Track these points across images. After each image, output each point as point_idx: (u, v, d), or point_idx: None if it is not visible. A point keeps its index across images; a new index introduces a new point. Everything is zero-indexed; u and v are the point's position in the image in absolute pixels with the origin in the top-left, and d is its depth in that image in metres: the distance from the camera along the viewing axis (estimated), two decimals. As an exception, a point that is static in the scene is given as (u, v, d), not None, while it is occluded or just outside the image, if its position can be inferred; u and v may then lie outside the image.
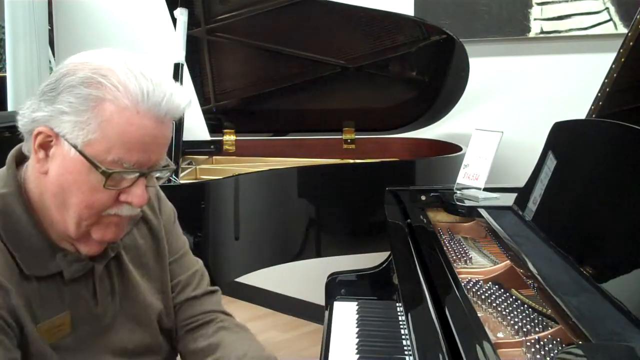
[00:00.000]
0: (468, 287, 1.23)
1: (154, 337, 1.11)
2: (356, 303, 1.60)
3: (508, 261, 1.31)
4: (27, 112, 0.94)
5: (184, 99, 0.96)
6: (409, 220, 1.65)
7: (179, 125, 2.03)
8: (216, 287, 1.24)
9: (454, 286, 1.16)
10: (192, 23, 2.38)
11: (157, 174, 0.99)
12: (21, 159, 1.00)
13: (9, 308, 0.90)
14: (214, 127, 2.71)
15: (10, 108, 3.98)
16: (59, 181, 0.93)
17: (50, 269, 0.96)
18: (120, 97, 0.90)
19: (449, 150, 2.48)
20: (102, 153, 0.91)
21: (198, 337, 1.15)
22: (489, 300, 1.17)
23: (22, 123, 0.96)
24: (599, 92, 1.61)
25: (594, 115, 1.62)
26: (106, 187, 0.92)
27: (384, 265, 1.73)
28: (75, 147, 0.91)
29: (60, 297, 0.97)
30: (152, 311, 1.11)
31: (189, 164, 2.64)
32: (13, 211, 0.94)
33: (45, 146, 0.93)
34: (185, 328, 1.17)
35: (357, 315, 1.52)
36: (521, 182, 1.61)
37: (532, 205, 1.47)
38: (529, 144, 2.05)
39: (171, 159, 1.98)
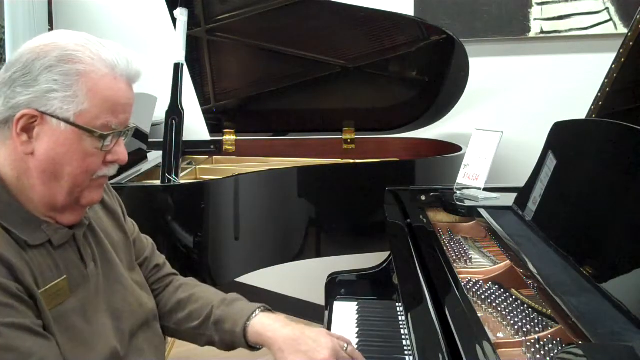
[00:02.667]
0: (468, 287, 1.23)
1: (135, 297, 1.19)
2: (356, 303, 1.60)
3: (508, 261, 1.31)
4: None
5: (140, 64, 1.07)
6: (409, 220, 1.65)
7: (179, 125, 2.03)
8: (163, 256, 1.39)
9: (454, 286, 1.16)
10: (192, 23, 2.38)
11: (126, 135, 1.08)
12: None
13: (17, 280, 0.94)
14: (214, 127, 2.72)
15: (10, 108, 3.97)
16: (50, 156, 0.99)
17: (41, 237, 1.01)
18: (99, 66, 1.00)
19: (449, 150, 2.48)
20: (92, 120, 0.99)
21: (165, 298, 1.30)
22: (489, 300, 1.17)
23: None
24: (599, 92, 1.61)
25: (594, 115, 1.62)
26: (102, 149, 1.02)
27: (384, 265, 1.73)
28: (66, 120, 0.98)
29: (54, 263, 1.02)
30: (124, 275, 1.19)
31: (189, 164, 2.64)
32: None
33: (28, 128, 0.98)
34: (155, 292, 1.30)
35: (357, 315, 1.52)
36: (521, 182, 1.61)
37: (532, 205, 1.47)
38: (529, 144, 2.05)
39: (170, 159, 2.01)
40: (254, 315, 1.20)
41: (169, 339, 2.15)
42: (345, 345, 1.15)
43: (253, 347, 1.21)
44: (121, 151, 1.06)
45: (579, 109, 1.68)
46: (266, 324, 1.18)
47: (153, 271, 1.33)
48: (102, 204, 1.21)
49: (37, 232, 1.01)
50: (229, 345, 1.23)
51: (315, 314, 3.14)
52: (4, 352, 0.88)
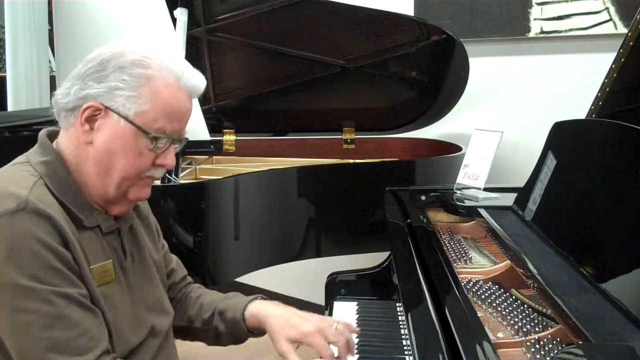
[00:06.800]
0: (468, 287, 1.23)
1: (164, 297, 1.26)
2: (356, 303, 1.60)
3: (508, 261, 1.31)
4: (72, 91, 1.06)
5: (203, 81, 1.17)
6: (409, 220, 1.65)
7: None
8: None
9: (454, 286, 1.17)
10: (192, 23, 2.38)
11: (179, 143, 1.15)
12: (51, 138, 1.13)
13: (70, 251, 1.01)
14: (214, 127, 2.71)
15: (10, 108, 3.98)
16: (106, 148, 1.07)
17: (93, 221, 1.09)
18: (166, 75, 1.08)
19: (449, 150, 2.48)
20: (149, 122, 1.07)
21: (183, 298, 1.38)
22: (489, 300, 1.17)
23: (66, 101, 1.07)
24: (599, 92, 1.61)
25: (594, 115, 1.62)
26: (153, 151, 1.09)
27: (384, 265, 1.73)
28: (126, 117, 1.05)
29: (102, 247, 1.11)
30: (157, 277, 1.26)
31: (189, 164, 2.64)
32: (59, 174, 1.07)
33: (91, 119, 1.06)
34: (178, 298, 1.38)
35: (357, 315, 1.52)
36: (521, 182, 1.61)
37: (532, 205, 1.47)
38: (529, 144, 2.05)
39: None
40: (251, 302, 1.30)
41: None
42: (335, 323, 1.21)
43: (253, 334, 1.29)
44: (170, 157, 1.12)
45: (579, 109, 1.68)
46: (261, 307, 1.28)
47: (180, 283, 1.40)
48: (137, 212, 1.27)
49: (90, 217, 1.09)
50: (232, 335, 1.31)
51: (315, 314, 3.14)
52: (54, 320, 0.96)
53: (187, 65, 1.13)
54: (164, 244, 1.37)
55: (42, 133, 1.12)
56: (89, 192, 1.10)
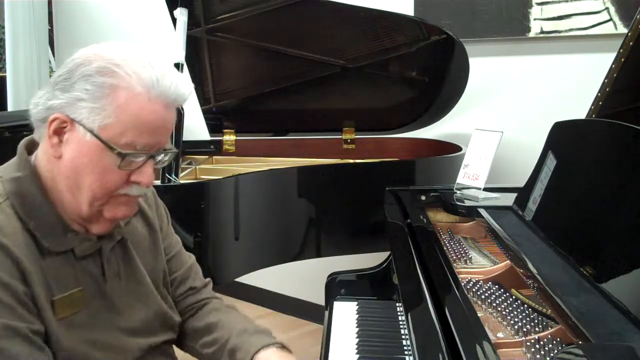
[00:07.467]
0: (468, 287, 1.23)
1: (158, 316, 1.18)
2: (356, 303, 1.60)
3: (508, 261, 1.31)
4: (41, 100, 1.00)
5: (187, 88, 1.04)
6: (409, 220, 1.65)
7: (179, 124, 2.03)
8: (208, 279, 1.36)
9: (454, 286, 1.16)
10: (192, 23, 2.38)
11: (163, 157, 1.06)
12: (31, 148, 1.06)
13: (27, 285, 0.95)
14: (214, 127, 2.72)
15: (10, 108, 3.98)
16: (74, 164, 0.99)
17: (64, 245, 1.02)
18: (134, 85, 0.97)
19: (449, 150, 2.48)
20: (116, 136, 0.97)
21: (196, 319, 1.28)
22: (489, 300, 1.17)
23: (36, 111, 1.01)
24: (599, 92, 1.61)
25: (594, 115, 1.62)
26: (120, 168, 0.99)
27: (384, 265, 1.73)
28: (91, 131, 0.97)
29: (73, 273, 1.03)
30: (153, 294, 1.18)
31: (189, 164, 2.64)
32: (28, 193, 1.00)
33: (59, 132, 0.99)
34: (186, 315, 1.28)
35: (357, 315, 1.52)
36: (521, 182, 1.61)
37: (532, 205, 1.47)
38: (529, 144, 2.05)
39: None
40: (264, 348, 1.15)
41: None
42: None
43: None
44: (146, 174, 1.02)
45: (579, 109, 1.68)
46: (269, 358, 1.14)
47: (188, 293, 1.30)
48: (143, 216, 1.20)
49: (61, 238, 1.02)
50: None
51: (315, 314, 3.14)
52: None
53: (167, 71, 1.00)
54: (171, 244, 1.28)
55: (21, 144, 1.05)
56: (65, 210, 1.02)
